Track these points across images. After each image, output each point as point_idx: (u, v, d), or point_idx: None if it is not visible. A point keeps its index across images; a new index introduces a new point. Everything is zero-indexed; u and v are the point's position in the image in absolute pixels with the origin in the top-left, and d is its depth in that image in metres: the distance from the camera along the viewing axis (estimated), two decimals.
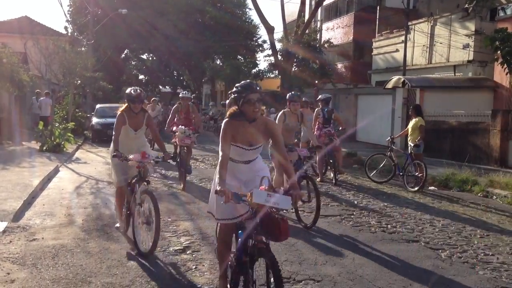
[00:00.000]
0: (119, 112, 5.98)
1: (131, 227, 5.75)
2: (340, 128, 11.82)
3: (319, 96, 11.85)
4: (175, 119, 10.48)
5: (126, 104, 5.98)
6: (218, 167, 3.78)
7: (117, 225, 6.28)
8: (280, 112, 7.98)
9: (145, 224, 5.48)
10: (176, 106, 10.72)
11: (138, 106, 5.90)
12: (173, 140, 10.52)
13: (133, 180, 5.79)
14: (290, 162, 4.22)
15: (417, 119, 10.56)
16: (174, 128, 10.04)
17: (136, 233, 5.60)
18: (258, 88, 3.83)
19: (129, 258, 5.38)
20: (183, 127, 9.79)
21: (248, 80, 4.02)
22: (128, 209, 5.90)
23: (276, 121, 7.42)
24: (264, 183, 3.70)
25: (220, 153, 3.81)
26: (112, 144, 5.99)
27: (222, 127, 3.90)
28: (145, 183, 5.59)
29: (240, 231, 3.85)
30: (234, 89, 3.89)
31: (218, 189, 3.53)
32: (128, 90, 6.01)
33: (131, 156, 5.64)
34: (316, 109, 11.49)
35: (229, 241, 4.09)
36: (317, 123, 11.09)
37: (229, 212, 3.90)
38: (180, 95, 10.95)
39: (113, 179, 6.25)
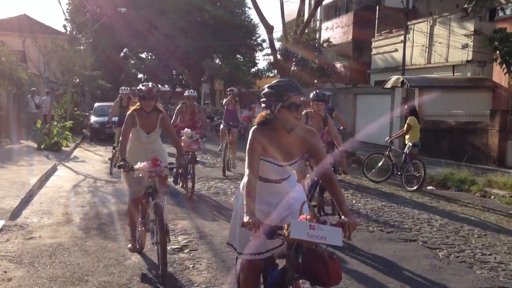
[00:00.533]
0: (129, 112, 5.25)
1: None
2: (341, 127, 11.57)
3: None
4: (179, 120, 9.44)
5: (137, 104, 5.22)
6: (244, 190, 2.99)
7: (129, 245, 5.40)
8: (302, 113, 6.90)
9: (156, 244, 4.81)
10: (180, 106, 9.67)
11: (150, 103, 5.06)
12: None
13: (146, 192, 5.02)
14: (338, 185, 3.27)
15: (409, 118, 10.57)
16: (182, 132, 8.61)
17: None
18: (300, 88, 3.03)
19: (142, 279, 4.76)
20: (189, 130, 8.60)
21: (286, 79, 3.20)
22: (143, 225, 5.22)
23: None
24: (305, 210, 2.94)
25: (247, 171, 3.01)
26: (119, 149, 5.27)
27: (249, 137, 3.11)
28: (159, 199, 4.83)
29: (272, 270, 3.08)
30: (267, 89, 3.05)
31: (246, 220, 2.76)
32: (139, 86, 5.23)
33: (138, 165, 4.77)
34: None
35: (255, 282, 3.24)
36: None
37: (257, 244, 2.99)
38: (185, 94, 9.80)
39: (125, 190, 5.58)
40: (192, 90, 10.21)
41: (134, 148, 5.26)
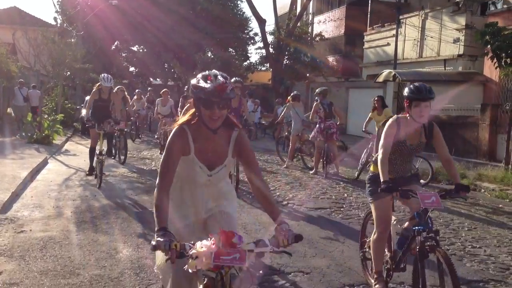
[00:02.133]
0: (175, 127, 2.90)
1: None
2: (338, 122, 11.26)
3: (316, 90, 11.59)
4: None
5: (191, 110, 2.91)
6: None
7: None
8: (390, 120, 4.18)
9: None
10: (188, 106, 6.53)
11: (221, 113, 2.74)
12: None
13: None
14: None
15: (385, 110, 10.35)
16: None
17: None
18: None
19: None
20: None
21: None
22: None
23: (382, 134, 4.10)
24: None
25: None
26: (154, 204, 2.71)
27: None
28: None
29: None
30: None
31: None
32: (193, 81, 2.78)
33: (198, 247, 2.36)
34: (315, 103, 11.35)
35: None
36: (318, 117, 10.95)
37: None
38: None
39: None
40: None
41: (180, 197, 3.05)
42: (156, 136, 15.90)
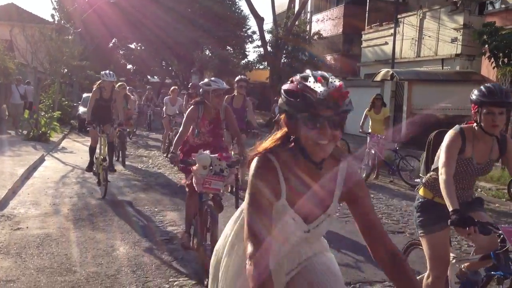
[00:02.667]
0: (256, 158, 1.95)
1: None
2: None
3: None
4: (190, 131, 5.11)
5: (281, 130, 2.02)
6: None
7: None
8: (451, 132, 3.25)
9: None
10: (191, 109, 5.09)
11: (333, 134, 1.88)
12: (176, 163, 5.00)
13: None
14: None
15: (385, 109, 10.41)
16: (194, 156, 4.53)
17: None
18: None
19: None
20: (206, 153, 4.38)
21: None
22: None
23: (443, 148, 3.18)
24: None
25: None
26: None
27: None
28: None
29: None
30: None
31: None
32: (297, 78, 1.93)
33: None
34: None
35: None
36: None
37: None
38: (204, 85, 5.00)
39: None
40: (216, 79, 5.08)
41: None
42: (162, 140, 14.03)
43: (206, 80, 5.15)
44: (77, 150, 13.76)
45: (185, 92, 16.23)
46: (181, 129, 4.93)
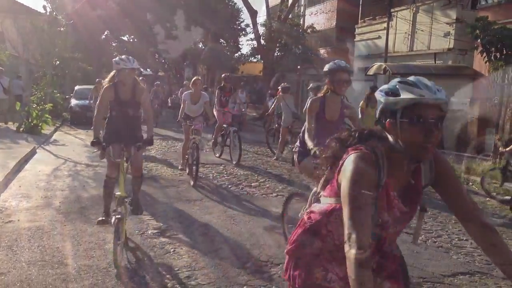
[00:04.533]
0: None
1: None
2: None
3: (310, 85, 11.48)
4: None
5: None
6: None
7: None
8: None
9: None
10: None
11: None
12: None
13: None
14: None
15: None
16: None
17: None
18: None
19: None
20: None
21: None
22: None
23: None
24: None
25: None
26: None
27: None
28: None
29: None
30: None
31: None
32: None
33: None
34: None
35: None
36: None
37: None
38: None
39: None
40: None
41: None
42: (181, 163, 9.89)
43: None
44: (69, 143, 13.69)
45: (183, 84, 15.83)
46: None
